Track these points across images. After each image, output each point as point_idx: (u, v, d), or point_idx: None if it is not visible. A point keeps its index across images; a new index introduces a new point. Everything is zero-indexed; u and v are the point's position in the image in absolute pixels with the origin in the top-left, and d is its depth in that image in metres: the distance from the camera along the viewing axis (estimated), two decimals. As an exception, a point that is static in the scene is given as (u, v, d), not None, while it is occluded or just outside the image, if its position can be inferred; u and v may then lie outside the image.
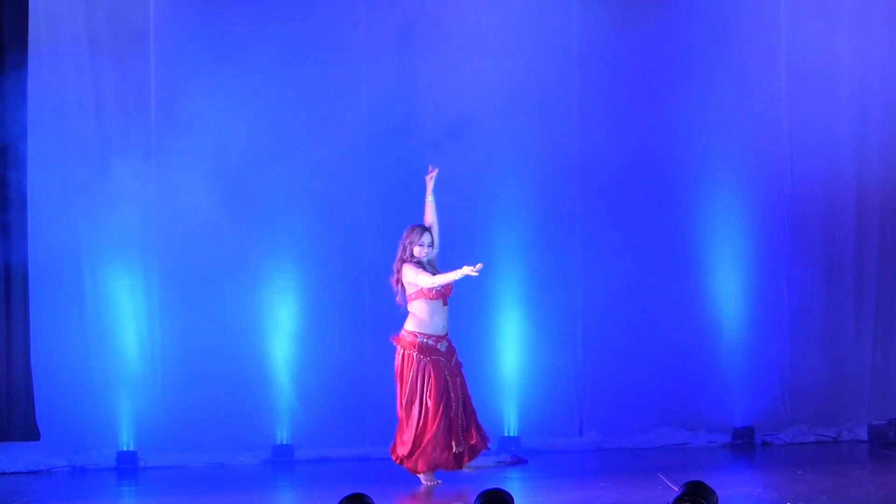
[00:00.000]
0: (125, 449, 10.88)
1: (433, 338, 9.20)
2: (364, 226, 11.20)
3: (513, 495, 6.28)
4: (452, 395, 9.18)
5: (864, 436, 11.34)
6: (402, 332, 9.25)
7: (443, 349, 9.23)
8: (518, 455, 10.69)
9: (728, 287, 11.52)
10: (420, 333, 9.19)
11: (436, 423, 9.09)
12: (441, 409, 9.10)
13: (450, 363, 9.24)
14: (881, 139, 11.57)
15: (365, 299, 11.14)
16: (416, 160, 11.04)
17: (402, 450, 9.18)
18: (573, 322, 11.47)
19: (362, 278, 11.15)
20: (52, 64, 10.88)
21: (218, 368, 11.00)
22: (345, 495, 6.30)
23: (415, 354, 9.16)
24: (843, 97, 11.55)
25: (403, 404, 9.18)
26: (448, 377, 9.18)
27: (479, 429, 9.31)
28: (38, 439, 10.66)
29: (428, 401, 9.12)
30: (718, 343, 11.49)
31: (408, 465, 9.19)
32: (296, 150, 11.04)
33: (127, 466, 10.80)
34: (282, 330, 11.14)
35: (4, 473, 10.58)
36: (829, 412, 11.51)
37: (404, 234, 9.28)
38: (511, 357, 11.36)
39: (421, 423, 9.12)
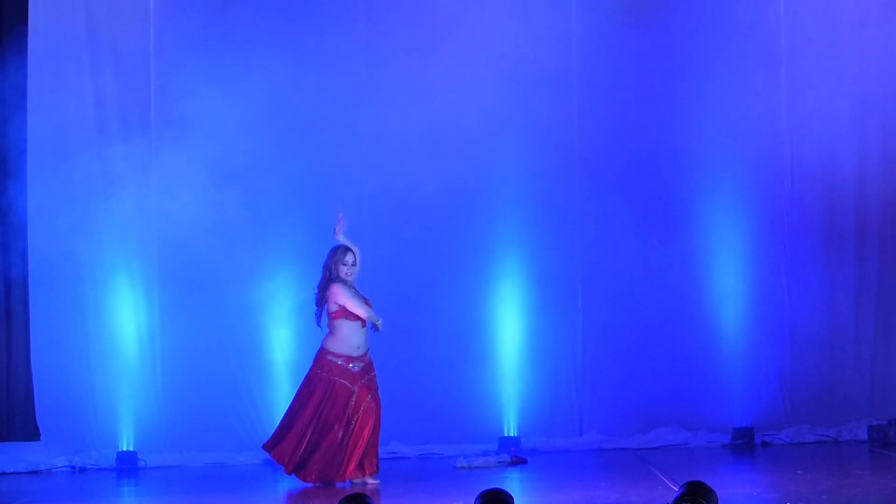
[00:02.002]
0: (125, 449, 10.88)
1: (343, 358, 9.41)
2: (364, 225, 11.19)
3: (513, 495, 6.27)
4: (351, 417, 9.37)
5: (864, 436, 11.33)
6: (321, 349, 9.47)
7: (355, 370, 9.43)
8: (518, 455, 10.69)
9: (728, 287, 11.51)
10: (333, 353, 9.41)
11: (327, 439, 9.32)
12: (333, 428, 9.34)
13: (355, 384, 9.40)
14: (881, 139, 11.56)
15: (364, 299, 11.13)
16: (415, 158, 11.05)
17: (294, 458, 9.41)
18: (573, 322, 11.46)
19: (361, 278, 11.11)
20: (51, 71, 10.87)
21: (218, 368, 11.00)
22: (345, 495, 6.30)
23: (323, 374, 9.38)
24: (843, 97, 11.54)
25: (300, 412, 9.42)
26: (353, 400, 9.36)
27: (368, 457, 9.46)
28: (39, 439, 10.65)
29: (325, 417, 9.35)
30: (718, 343, 11.48)
31: (299, 475, 9.46)
32: (295, 149, 11.03)
33: (127, 466, 10.79)
34: (282, 330, 11.13)
35: (4, 473, 10.58)
36: (829, 412, 11.51)
37: (328, 256, 9.51)
38: (511, 357, 11.36)
39: (312, 437, 9.36)
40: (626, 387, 11.40)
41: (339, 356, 9.41)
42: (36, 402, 10.65)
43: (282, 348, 11.14)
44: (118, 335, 10.94)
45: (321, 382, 9.39)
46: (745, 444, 11.28)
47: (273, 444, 9.52)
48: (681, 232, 11.48)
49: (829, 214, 11.60)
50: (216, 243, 10.84)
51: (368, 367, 9.52)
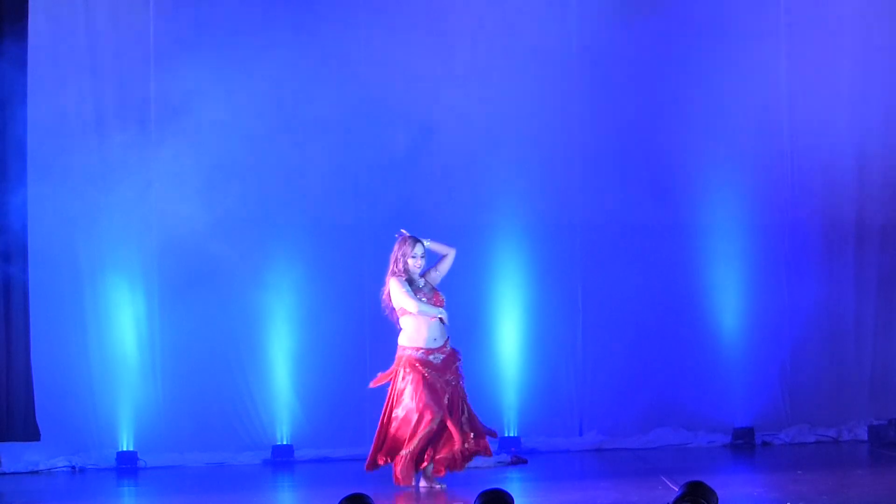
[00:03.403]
0: (125, 449, 10.88)
1: (424, 350, 9.07)
2: (364, 225, 11.20)
3: (513, 495, 6.27)
4: (438, 407, 9.01)
5: (864, 436, 11.34)
6: (398, 347, 9.13)
7: (437, 362, 9.08)
8: (518, 455, 10.69)
9: (728, 287, 11.51)
10: (411, 348, 9.08)
11: (420, 432, 8.97)
12: (425, 420, 8.96)
13: (443, 376, 9.09)
14: (882, 139, 11.57)
15: (365, 299, 11.10)
16: (413, 158, 11.06)
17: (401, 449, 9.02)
18: (573, 322, 11.47)
19: (362, 278, 11.13)
20: (50, 69, 10.84)
21: (217, 369, 10.99)
22: (345, 495, 6.29)
23: (402, 369, 9.05)
24: (843, 95, 11.54)
25: (388, 414, 9.08)
26: (440, 388, 9.06)
27: (477, 435, 9.22)
28: (39, 439, 10.64)
29: (413, 409, 8.98)
30: (718, 343, 11.49)
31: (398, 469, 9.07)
32: (294, 149, 11.02)
33: (127, 466, 10.79)
34: (281, 330, 11.13)
35: (4, 473, 10.58)
36: (829, 412, 11.51)
37: (395, 246, 9.16)
38: (511, 357, 11.36)
39: (407, 430, 8.98)
40: (626, 387, 11.40)
41: (415, 349, 9.06)
42: (36, 402, 10.63)
43: (282, 348, 11.13)
44: (118, 335, 10.93)
45: (399, 378, 9.03)
46: (745, 444, 11.28)
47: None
48: (681, 232, 11.48)
49: (829, 214, 11.61)
50: (217, 242, 10.83)
51: (452, 358, 9.14)
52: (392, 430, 9.06)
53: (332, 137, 11.11)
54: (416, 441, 8.98)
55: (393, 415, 9.07)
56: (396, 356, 9.16)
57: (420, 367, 9.02)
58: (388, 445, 9.08)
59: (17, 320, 10.61)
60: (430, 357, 9.08)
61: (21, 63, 10.58)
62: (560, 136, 11.44)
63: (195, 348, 10.97)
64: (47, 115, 10.79)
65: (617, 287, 11.38)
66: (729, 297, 11.52)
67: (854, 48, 11.54)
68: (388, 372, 9.17)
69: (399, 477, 9.03)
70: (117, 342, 10.92)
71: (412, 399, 8.99)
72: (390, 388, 9.13)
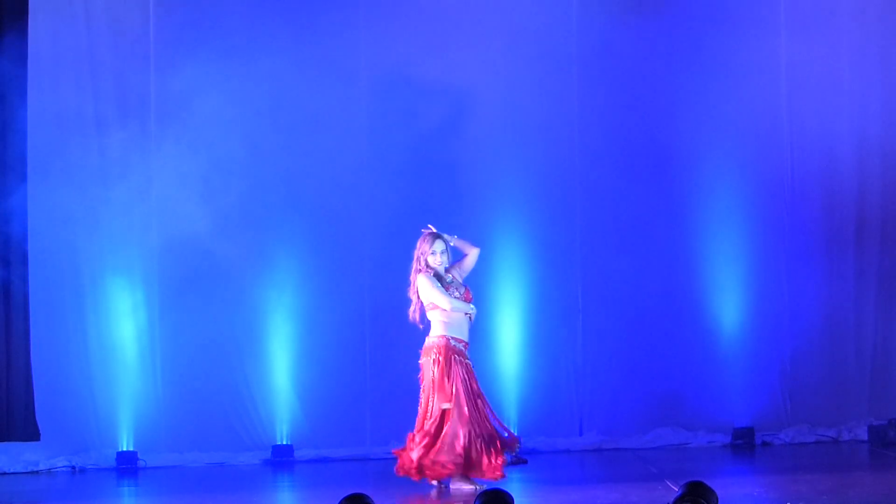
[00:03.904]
0: (125, 449, 10.88)
1: (462, 342, 9.00)
2: (363, 225, 11.19)
3: (513, 495, 6.27)
4: (477, 400, 9.00)
5: (864, 436, 11.33)
6: (430, 339, 9.00)
7: (469, 360, 9.04)
8: (518, 455, 10.68)
9: (728, 287, 11.51)
10: (449, 337, 8.96)
11: (467, 426, 8.91)
12: (468, 413, 8.94)
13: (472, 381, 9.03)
14: (882, 138, 11.56)
15: (364, 298, 11.12)
16: (413, 156, 11.05)
17: (443, 456, 8.89)
18: (573, 322, 11.46)
19: (362, 277, 11.13)
20: (50, 69, 10.84)
21: (217, 369, 10.98)
22: (345, 495, 6.29)
23: (451, 357, 8.92)
24: (843, 94, 11.54)
25: (435, 411, 8.92)
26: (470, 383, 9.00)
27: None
28: (38, 439, 10.64)
29: (461, 404, 8.91)
30: (718, 343, 11.48)
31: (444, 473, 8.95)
32: (294, 148, 11.01)
33: (127, 466, 10.79)
34: (281, 330, 11.12)
35: (4, 473, 10.58)
36: (829, 412, 11.51)
37: (418, 243, 9.08)
38: (511, 357, 11.35)
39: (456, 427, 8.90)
40: (626, 387, 11.39)
41: (453, 339, 8.93)
42: (36, 402, 10.63)
43: (281, 348, 11.13)
44: (118, 335, 10.92)
45: (448, 367, 8.89)
46: (745, 444, 11.28)
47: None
48: (681, 231, 11.48)
49: (829, 216, 11.60)
50: (216, 242, 10.82)
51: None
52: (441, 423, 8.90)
53: (333, 137, 11.11)
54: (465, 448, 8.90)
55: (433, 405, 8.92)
56: (434, 345, 8.95)
57: (464, 363, 8.95)
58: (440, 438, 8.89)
59: (17, 320, 10.61)
60: (467, 352, 9.03)
61: (21, 61, 10.58)
62: (560, 135, 11.43)
63: (195, 348, 10.96)
64: (47, 113, 10.79)
65: (617, 287, 11.38)
66: (729, 297, 11.51)
67: (854, 47, 11.53)
68: (431, 363, 8.96)
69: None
70: (117, 342, 10.92)
71: (460, 402, 8.90)
72: (442, 378, 8.92)
